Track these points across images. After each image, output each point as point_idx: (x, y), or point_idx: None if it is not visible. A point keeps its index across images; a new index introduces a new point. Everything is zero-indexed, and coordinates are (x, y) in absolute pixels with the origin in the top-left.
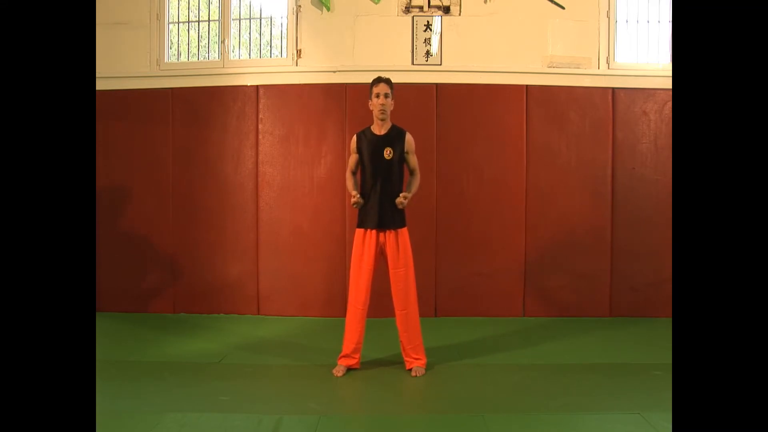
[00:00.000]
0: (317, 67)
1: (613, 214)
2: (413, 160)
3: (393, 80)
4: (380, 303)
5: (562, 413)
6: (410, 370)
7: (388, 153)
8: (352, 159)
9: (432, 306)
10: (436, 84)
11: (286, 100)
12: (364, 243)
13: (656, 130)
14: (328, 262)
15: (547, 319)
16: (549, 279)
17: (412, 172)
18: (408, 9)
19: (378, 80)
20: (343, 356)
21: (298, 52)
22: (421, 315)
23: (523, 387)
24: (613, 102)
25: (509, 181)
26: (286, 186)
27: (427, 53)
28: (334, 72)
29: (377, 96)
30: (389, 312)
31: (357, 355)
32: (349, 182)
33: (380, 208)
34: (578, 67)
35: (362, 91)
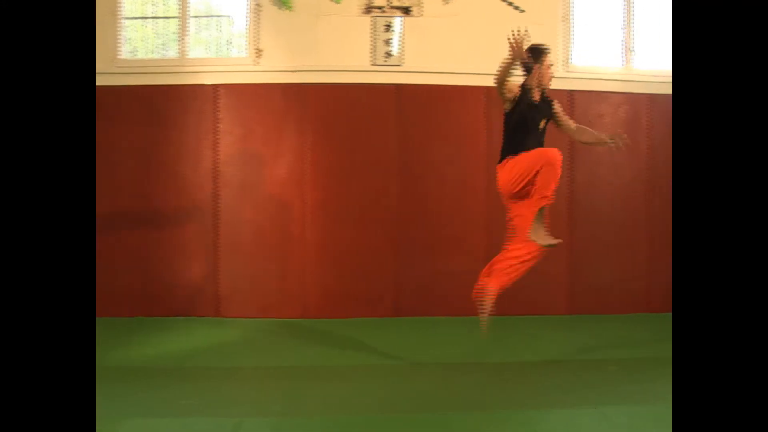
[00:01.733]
0: (278, 66)
1: (570, 213)
2: (565, 118)
3: (353, 80)
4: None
5: (522, 410)
6: None
7: (543, 124)
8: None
9: (393, 306)
10: (397, 84)
11: (246, 99)
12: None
13: (611, 131)
14: (288, 262)
15: (507, 317)
16: None
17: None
18: (368, 9)
19: (547, 50)
20: None
21: (259, 51)
22: (382, 315)
23: (484, 385)
24: (571, 104)
25: (470, 181)
26: (247, 186)
27: (388, 54)
28: (295, 72)
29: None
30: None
31: None
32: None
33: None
34: None
35: (323, 91)
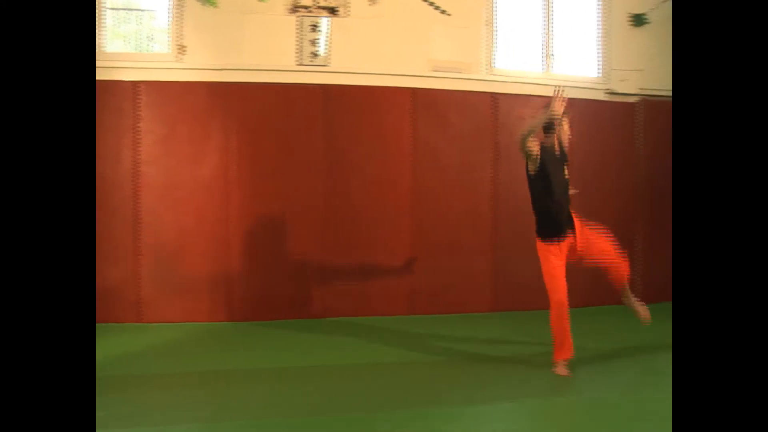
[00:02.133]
0: (202, 64)
1: (493, 213)
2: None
3: (279, 80)
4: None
5: (446, 407)
6: None
7: (567, 173)
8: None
9: (320, 307)
10: (323, 85)
11: (168, 97)
12: (559, 255)
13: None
14: (214, 264)
15: (433, 316)
16: (434, 276)
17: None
18: (295, 9)
19: (568, 111)
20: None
21: (182, 48)
22: (310, 316)
23: (409, 384)
24: (494, 106)
25: (395, 181)
26: (169, 186)
27: (314, 54)
28: (220, 70)
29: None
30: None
31: None
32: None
33: (565, 213)
34: (461, 72)
35: (248, 90)
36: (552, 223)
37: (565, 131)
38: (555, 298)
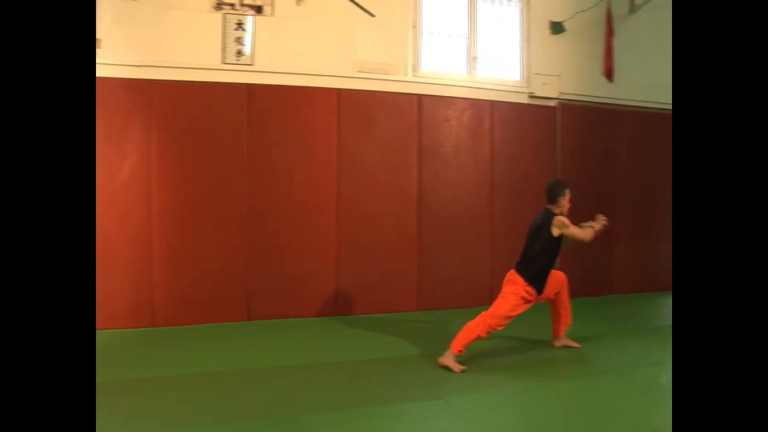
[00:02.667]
0: (119, 59)
1: (419, 213)
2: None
3: (202, 79)
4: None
5: (372, 407)
6: None
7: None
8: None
9: (245, 309)
10: (248, 84)
11: None
12: (529, 300)
13: (457, 135)
14: (135, 268)
15: (359, 316)
16: (360, 277)
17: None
18: (219, 6)
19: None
20: None
21: (97, 42)
22: (235, 319)
23: (336, 385)
24: (419, 108)
25: (321, 182)
26: None
27: (239, 52)
28: (139, 67)
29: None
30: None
31: None
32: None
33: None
34: (387, 73)
35: (170, 87)
36: (543, 280)
37: (567, 205)
38: (497, 315)
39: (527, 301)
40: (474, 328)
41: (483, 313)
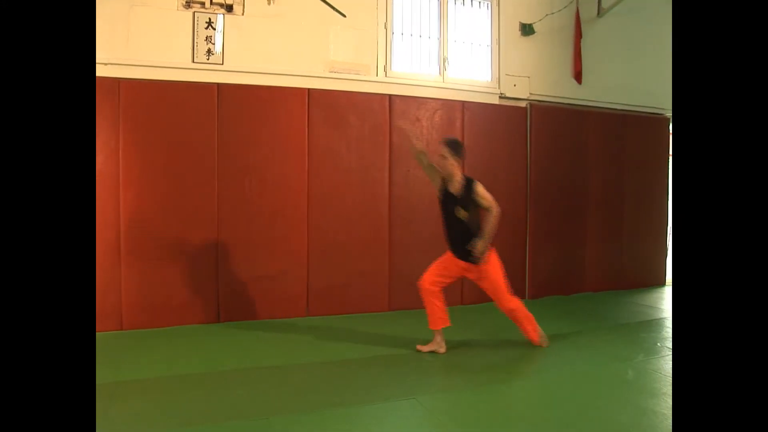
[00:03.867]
0: None
1: (390, 213)
2: (485, 203)
3: (171, 78)
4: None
5: (345, 407)
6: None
7: (463, 214)
8: (435, 173)
9: (215, 310)
10: (218, 84)
11: None
12: (450, 260)
13: (428, 135)
14: (101, 270)
15: (330, 317)
16: (331, 278)
17: (486, 210)
18: (189, 4)
19: (441, 142)
20: None
21: None
22: (205, 321)
23: (307, 386)
24: (390, 108)
25: (292, 183)
26: None
27: (209, 51)
28: (105, 64)
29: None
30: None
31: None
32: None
33: (460, 247)
34: (358, 74)
35: (137, 86)
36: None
37: (445, 165)
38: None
39: (445, 265)
40: (525, 313)
41: (514, 301)
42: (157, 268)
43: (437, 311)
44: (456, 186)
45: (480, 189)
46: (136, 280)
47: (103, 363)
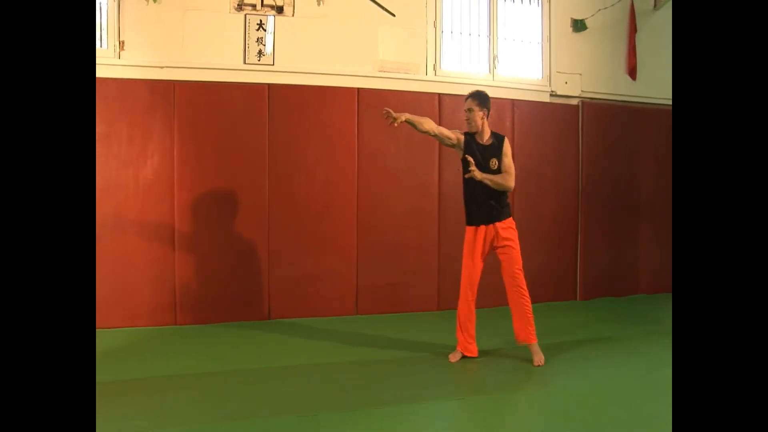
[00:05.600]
0: (142, 61)
1: (439, 213)
2: (506, 161)
3: (223, 79)
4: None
5: (392, 406)
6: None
7: (494, 164)
8: (452, 134)
9: (265, 308)
10: (269, 84)
11: (106, 94)
12: (475, 239)
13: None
14: (156, 267)
15: (379, 316)
16: (380, 277)
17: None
18: (240, 6)
19: (467, 97)
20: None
21: (121, 44)
22: (256, 318)
23: (355, 384)
24: (440, 107)
25: (341, 182)
26: (107, 188)
27: (260, 53)
28: (162, 68)
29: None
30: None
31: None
32: (420, 120)
33: (487, 207)
34: (407, 73)
35: (191, 88)
36: (473, 210)
37: (472, 118)
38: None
39: (471, 246)
40: (528, 310)
41: (520, 291)
42: (210, 265)
43: (463, 341)
44: (485, 137)
45: (508, 143)
46: (190, 277)
47: (156, 356)
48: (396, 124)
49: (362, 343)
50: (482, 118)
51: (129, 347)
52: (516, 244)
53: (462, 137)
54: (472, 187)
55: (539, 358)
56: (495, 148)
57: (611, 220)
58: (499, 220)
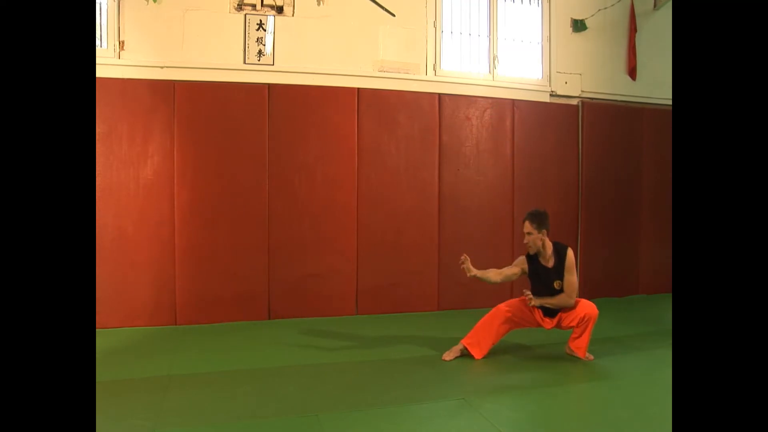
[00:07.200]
0: (142, 61)
1: (439, 213)
2: (568, 277)
3: (224, 79)
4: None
5: (393, 406)
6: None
7: (557, 285)
8: (517, 269)
9: (265, 308)
10: (269, 84)
11: (107, 94)
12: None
13: (477, 134)
14: (156, 267)
15: (379, 316)
16: (381, 277)
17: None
18: (240, 6)
19: (524, 219)
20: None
21: (121, 44)
22: (255, 318)
23: (356, 384)
24: (440, 107)
25: (341, 182)
26: (108, 188)
27: (260, 53)
28: (162, 68)
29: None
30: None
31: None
32: (487, 274)
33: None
34: (407, 73)
35: (191, 88)
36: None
37: (532, 241)
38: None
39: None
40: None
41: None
42: (210, 265)
43: (484, 341)
44: (547, 257)
45: (570, 256)
46: (190, 277)
47: (156, 356)
48: (468, 276)
49: (362, 343)
50: (542, 239)
51: (129, 347)
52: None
53: (525, 265)
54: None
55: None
56: (558, 270)
57: (611, 220)
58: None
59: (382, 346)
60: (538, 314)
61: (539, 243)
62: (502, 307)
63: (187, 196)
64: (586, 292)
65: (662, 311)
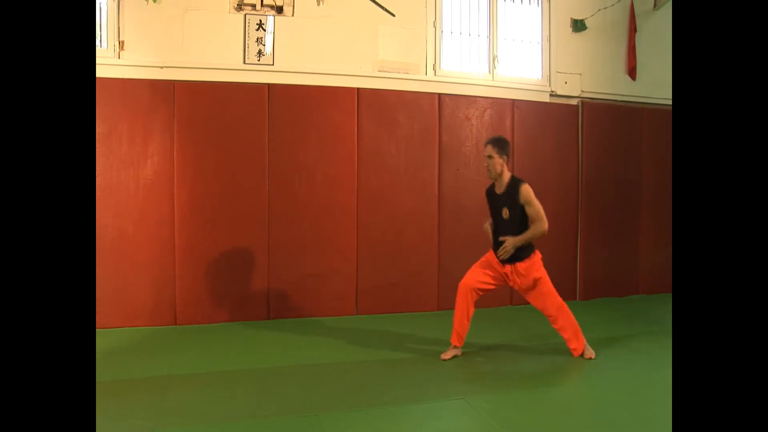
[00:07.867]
0: (142, 61)
1: (439, 213)
2: (530, 210)
3: (223, 79)
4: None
5: (393, 406)
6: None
7: (505, 213)
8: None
9: (265, 308)
10: (269, 84)
11: (107, 94)
12: (490, 260)
13: (477, 134)
14: (156, 267)
15: (379, 316)
16: (381, 277)
17: (531, 221)
18: (240, 6)
19: (486, 143)
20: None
21: (121, 44)
22: (255, 318)
23: (356, 384)
24: (439, 107)
25: (341, 182)
26: (108, 188)
27: (260, 53)
28: (161, 68)
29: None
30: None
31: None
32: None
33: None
34: (407, 73)
35: (191, 88)
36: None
37: (491, 165)
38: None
39: (485, 265)
40: (572, 321)
41: (560, 310)
42: (210, 265)
43: (460, 327)
44: (502, 185)
45: (525, 191)
46: (190, 277)
47: (156, 356)
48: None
49: (362, 343)
50: (502, 166)
51: (129, 347)
52: (540, 279)
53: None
54: (496, 227)
55: (589, 352)
56: (508, 197)
57: (611, 220)
58: (504, 263)
59: (382, 346)
60: (496, 262)
61: (499, 168)
62: (462, 281)
63: (187, 196)
64: (586, 292)
65: (662, 311)
